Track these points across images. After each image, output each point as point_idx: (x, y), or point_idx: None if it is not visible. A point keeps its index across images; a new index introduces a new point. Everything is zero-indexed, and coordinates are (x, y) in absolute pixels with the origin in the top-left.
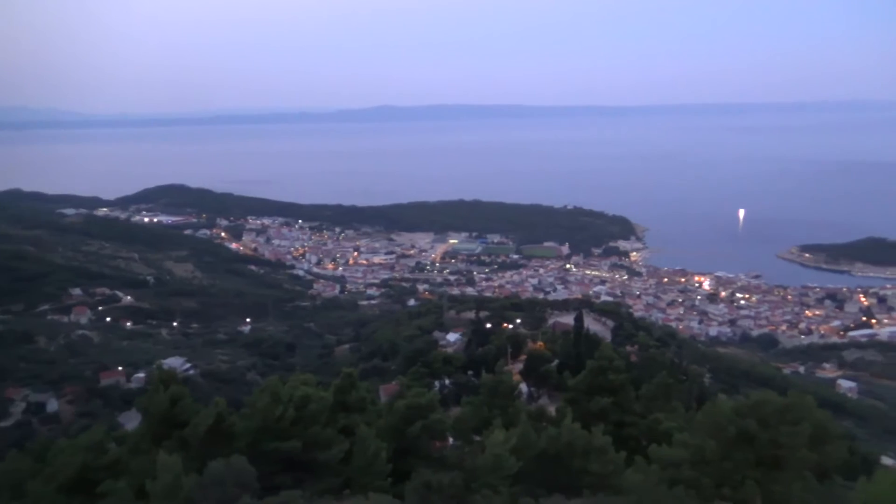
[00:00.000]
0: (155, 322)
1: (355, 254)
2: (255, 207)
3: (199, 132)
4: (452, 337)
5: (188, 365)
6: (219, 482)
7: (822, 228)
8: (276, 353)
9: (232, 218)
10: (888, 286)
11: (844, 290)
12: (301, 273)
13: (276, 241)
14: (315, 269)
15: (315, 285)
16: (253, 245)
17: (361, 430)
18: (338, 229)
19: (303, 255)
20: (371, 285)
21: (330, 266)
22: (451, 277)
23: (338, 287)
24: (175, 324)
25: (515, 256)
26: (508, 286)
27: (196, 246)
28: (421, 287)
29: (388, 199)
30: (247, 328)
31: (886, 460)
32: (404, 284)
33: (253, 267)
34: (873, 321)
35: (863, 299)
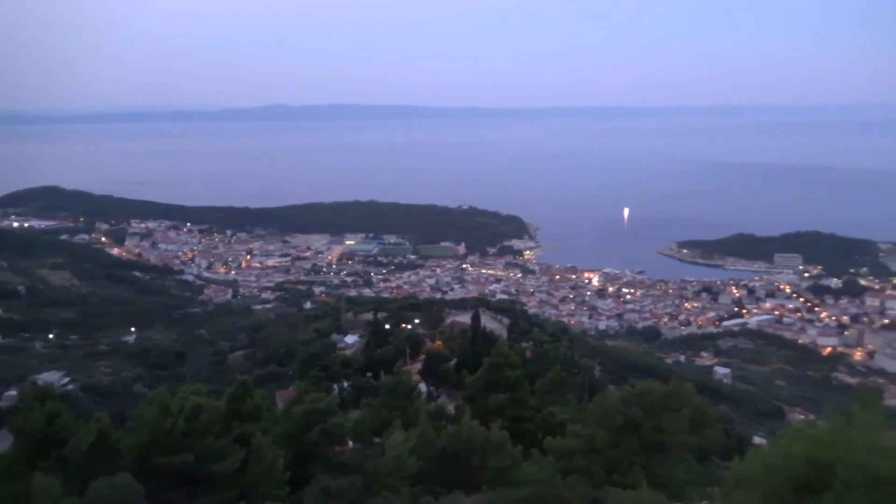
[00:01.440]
0: (28, 335)
1: (248, 257)
2: (138, 210)
3: (59, 131)
4: (351, 339)
5: (66, 379)
6: (102, 502)
7: (698, 226)
8: (165, 363)
9: (113, 222)
10: (756, 278)
11: (718, 283)
12: (190, 278)
13: (162, 246)
14: (205, 274)
15: (206, 290)
16: (137, 250)
17: (257, 438)
18: (229, 232)
19: (192, 259)
20: (265, 289)
21: (221, 270)
22: (349, 279)
23: (230, 292)
24: (51, 336)
25: (412, 257)
26: (406, 287)
27: (73, 252)
28: (317, 289)
29: (282, 201)
30: (132, 338)
31: (758, 440)
32: (300, 287)
33: (137, 273)
34: (744, 311)
35: (734, 291)
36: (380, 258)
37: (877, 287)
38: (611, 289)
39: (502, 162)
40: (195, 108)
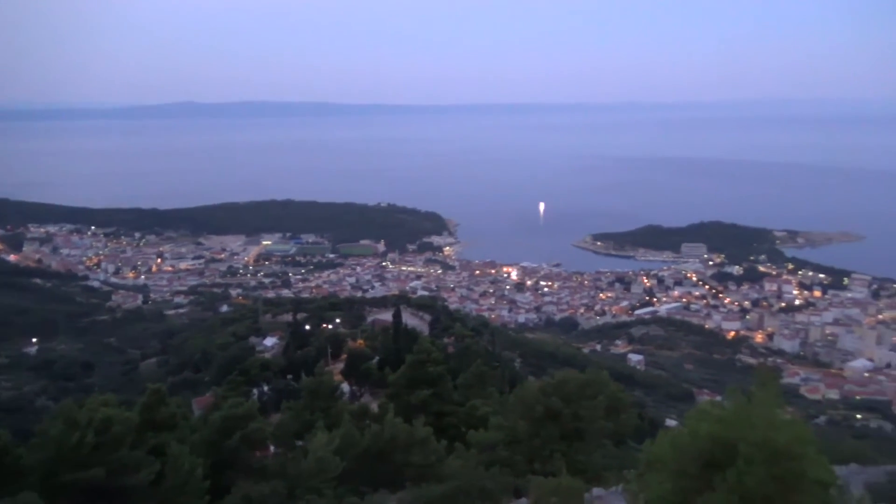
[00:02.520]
0: None
1: (159, 260)
2: (37, 213)
3: None
4: (270, 341)
5: None
6: None
7: (611, 218)
8: (71, 375)
9: (9, 227)
10: (665, 268)
11: (630, 273)
12: (97, 284)
13: (64, 251)
14: (113, 279)
15: (114, 297)
16: (37, 256)
17: (173, 448)
18: (138, 235)
19: (98, 264)
20: (178, 293)
21: (130, 275)
22: (266, 280)
23: (140, 297)
24: None
25: (332, 256)
26: (326, 286)
27: None
28: (234, 292)
29: (193, 201)
30: (33, 349)
31: (670, 422)
32: (215, 290)
33: (38, 280)
34: (654, 300)
35: (645, 281)
36: (298, 258)
37: (774, 273)
38: (529, 282)
39: (419, 159)
40: (96, 106)
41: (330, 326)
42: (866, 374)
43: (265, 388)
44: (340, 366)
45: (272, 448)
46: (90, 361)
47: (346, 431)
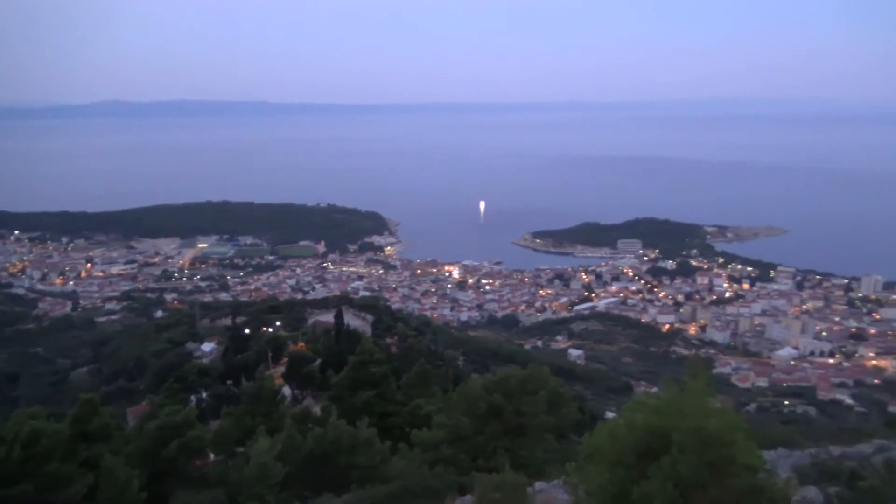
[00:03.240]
0: None
1: (88, 265)
2: None
3: None
4: (208, 346)
5: None
6: None
7: (550, 216)
8: None
9: None
10: (602, 264)
11: (570, 269)
12: (21, 292)
13: None
14: (39, 286)
15: (40, 304)
16: None
17: (107, 459)
18: (65, 239)
19: (22, 270)
20: (110, 299)
21: (58, 281)
22: (203, 284)
23: (69, 304)
24: None
25: (271, 257)
26: (265, 288)
27: None
28: (169, 296)
29: (124, 203)
30: None
31: (609, 415)
32: (149, 295)
33: None
34: (593, 295)
35: (584, 277)
36: (236, 260)
37: (705, 267)
38: (471, 280)
39: (360, 159)
40: (15, 105)
41: (270, 330)
42: (792, 362)
43: (204, 395)
44: (282, 369)
45: (212, 456)
46: (15, 373)
47: (288, 436)
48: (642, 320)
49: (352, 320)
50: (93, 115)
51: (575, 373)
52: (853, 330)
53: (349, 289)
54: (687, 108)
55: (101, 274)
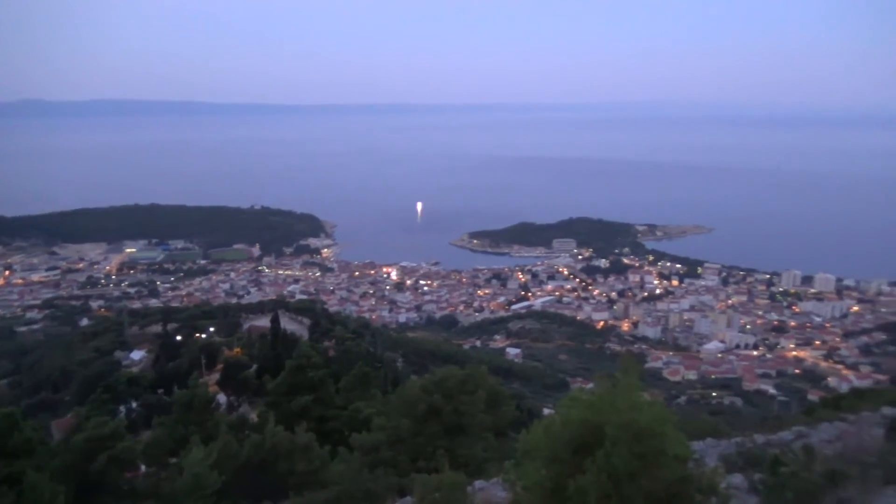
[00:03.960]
0: None
1: (7, 272)
2: None
3: None
4: (137, 355)
5: None
6: None
7: (486, 216)
8: None
9: None
10: (538, 263)
11: (506, 269)
12: None
13: None
14: None
15: None
16: None
17: (30, 476)
18: None
19: None
20: (31, 307)
21: None
22: (132, 290)
23: None
24: None
25: (203, 262)
26: (198, 294)
27: None
28: (95, 304)
29: (45, 207)
30: None
31: (546, 411)
32: (74, 303)
33: None
34: (529, 294)
35: (520, 276)
36: (166, 265)
37: (637, 264)
38: (409, 281)
39: (295, 160)
40: None
41: (203, 336)
42: (719, 355)
43: (133, 405)
44: (216, 376)
45: (143, 468)
46: None
47: (223, 444)
48: (577, 318)
49: (288, 324)
50: (9, 114)
51: (513, 371)
52: (775, 323)
53: (285, 292)
54: (619, 111)
55: (20, 281)
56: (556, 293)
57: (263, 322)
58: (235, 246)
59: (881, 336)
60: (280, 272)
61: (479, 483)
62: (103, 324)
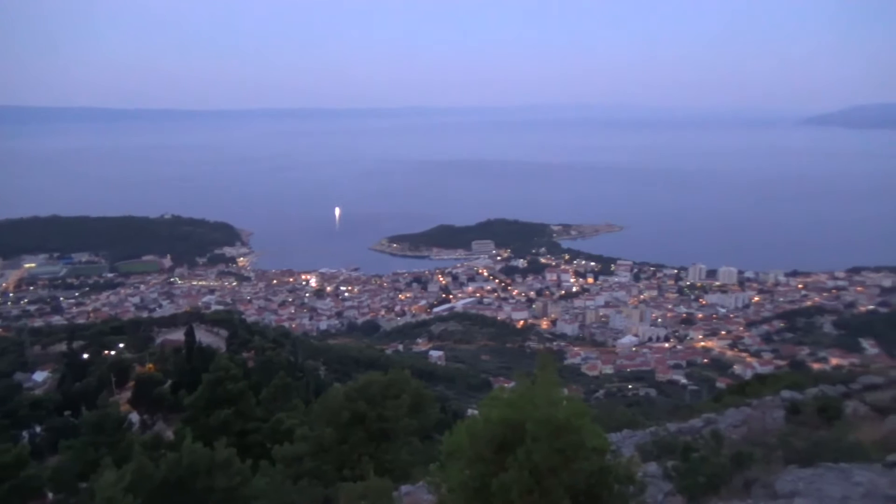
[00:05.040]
0: None
1: None
2: None
3: None
4: (40, 376)
5: None
6: None
7: (405, 220)
8: None
9: None
10: (458, 265)
11: (427, 272)
12: None
13: None
14: None
15: None
16: None
17: None
18: None
19: None
20: None
21: None
22: (32, 307)
23: None
24: None
25: (110, 275)
26: (105, 309)
27: None
28: None
29: None
30: None
31: (470, 412)
32: None
33: None
34: (451, 296)
35: (441, 279)
36: (70, 280)
37: (553, 263)
38: (329, 288)
39: (204, 167)
40: None
41: (113, 353)
42: (633, 349)
43: (38, 429)
44: (128, 394)
45: (51, 495)
46: None
47: (138, 465)
48: (498, 318)
49: (204, 337)
50: None
51: (436, 374)
52: (684, 315)
53: (200, 304)
54: (534, 113)
55: None
56: (477, 294)
57: (177, 335)
58: (145, 257)
59: (780, 324)
60: (194, 283)
61: (405, 488)
62: (1, 344)
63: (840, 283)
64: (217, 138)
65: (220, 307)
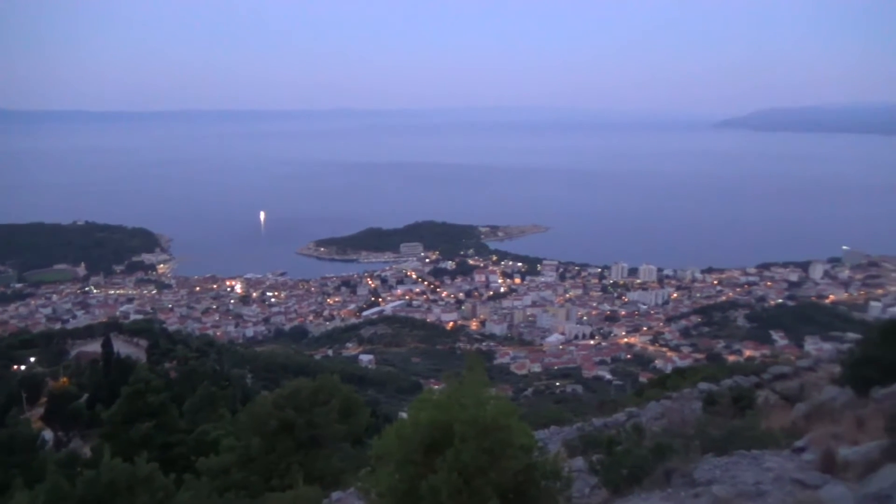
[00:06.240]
0: None
1: None
2: None
3: None
4: None
5: None
6: None
7: (333, 223)
8: None
9: None
10: (387, 268)
11: (355, 276)
12: None
13: None
14: None
15: None
16: None
17: None
18: None
19: None
20: None
21: None
22: None
23: None
24: None
25: (19, 285)
26: (14, 321)
27: None
28: None
29: None
30: None
31: (402, 415)
32: None
33: None
34: (380, 299)
35: (370, 282)
36: None
37: (482, 265)
38: (255, 294)
39: (120, 171)
40: None
41: (23, 367)
42: (560, 347)
43: None
44: (41, 411)
45: None
46: None
47: (52, 485)
48: (428, 320)
49: (123, 348)
50: None
51: (366, 378)
52: (607, 313)
53: (118, 313)
54: (461, 116)
55: None
56: (406, 297)
57: (94, 347)
58: (57, 266)
59: (697, 319)
60: (111, 292)
61: (335, 494)
62: None
63: (752, 278)
64: (135, 141)
65: (140, 316)
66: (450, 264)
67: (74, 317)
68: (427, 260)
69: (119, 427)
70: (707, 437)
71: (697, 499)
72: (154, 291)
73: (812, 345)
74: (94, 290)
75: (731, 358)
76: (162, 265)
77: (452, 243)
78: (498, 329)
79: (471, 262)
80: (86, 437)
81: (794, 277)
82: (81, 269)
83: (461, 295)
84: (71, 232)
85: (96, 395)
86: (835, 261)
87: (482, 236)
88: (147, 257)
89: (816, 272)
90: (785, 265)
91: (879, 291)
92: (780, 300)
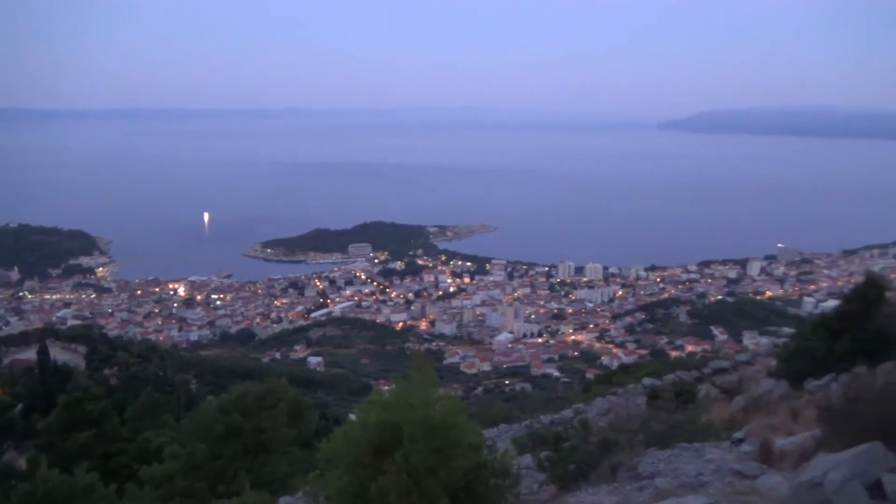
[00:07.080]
0: None
1: None
2: None
3: None
4: None
5: None
6: None
7: (279, 224)
8: None
9: None
10: (335, 269)
11: (303, 277)
12: None
13: None
14: None
15: None
16: None
17: None
18: None
19: None
20: None
21: None
22: None
23: None
24: None
25: None
26: None
27: None
28: None
29: None
30: None
31: (352, 417)
32: None
33: None
34: (328, 301)
35: (318, 283)
36: None
37: (431, 265)
38: (199, 297)
39: (58, 171)
40: None
41: None
42: (509, 345)
43: None
44: None
45: None
46: None
47: None
48: (377, 321)
49: (60, 354)
50: None
51: (315, 380)
52: (555, 311)
53: (54, 319)
54: (412, 116)
55: None
56: (355, 298)
57: (29, 355)
58: None
59: (641, 316)
60: (47, 297)
61: (284, 499)
62: None
63: (693, 275)
64: (73, 140)
65: (78, 322)
66: (399, 265)
67: (7, 323)
68: (376, 261)
69: (56, 437)
70: (651, 431)
71: (642, 492)
72: (93, 296)
73: (750, 339)
74: (29, 296)
75: (674, 353)
76: (101, 269)
77: (401, 244)
78: (447, 329)
79: (420, 262)
80: (21, 449)
81: (732, 274)
82: (15, 274)
83: (410, 295)
84: (3, 235)
85: (32, 404)
86: (771, 258)
87: (431, 236)
88: (85, 260)
89: (754, 269)
90: (724, 263)
91: (812, 287)
92: (720, 296)
